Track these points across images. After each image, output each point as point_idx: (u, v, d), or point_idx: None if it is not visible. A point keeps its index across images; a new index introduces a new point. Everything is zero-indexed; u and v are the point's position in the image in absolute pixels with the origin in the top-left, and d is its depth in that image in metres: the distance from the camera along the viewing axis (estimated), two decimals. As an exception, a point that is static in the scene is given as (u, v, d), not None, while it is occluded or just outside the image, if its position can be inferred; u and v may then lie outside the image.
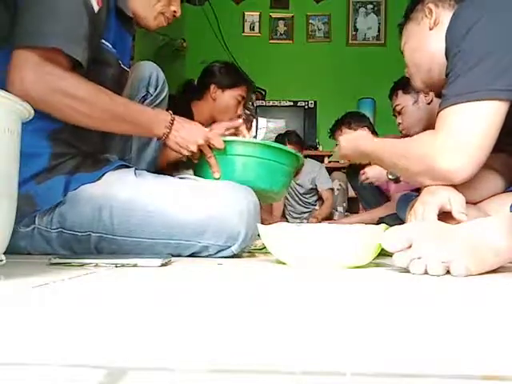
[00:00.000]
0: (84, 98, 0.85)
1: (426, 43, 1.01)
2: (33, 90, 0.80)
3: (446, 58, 0.89)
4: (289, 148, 1.13)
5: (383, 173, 1.72)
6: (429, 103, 1.72)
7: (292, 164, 1.09)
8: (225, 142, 1.02)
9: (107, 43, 0.95)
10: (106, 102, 0.88)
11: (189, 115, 1.55)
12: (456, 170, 0.86)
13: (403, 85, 1.79)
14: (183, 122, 1.00)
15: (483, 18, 0.83)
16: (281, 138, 2.73)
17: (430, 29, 1.00)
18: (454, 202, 0.86)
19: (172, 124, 0.97)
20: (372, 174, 1.81)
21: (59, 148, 0.91)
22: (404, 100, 1.81)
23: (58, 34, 0.81)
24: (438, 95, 0.99)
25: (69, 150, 0.93)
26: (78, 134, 0.93)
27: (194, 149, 0.99)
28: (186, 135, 0.98)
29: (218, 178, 1.01)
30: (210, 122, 1.55)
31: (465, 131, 0.84)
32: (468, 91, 0.83)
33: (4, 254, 0.55)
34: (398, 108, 1.82)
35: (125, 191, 0.90)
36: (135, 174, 0.94)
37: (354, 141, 1.09)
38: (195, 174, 1.08)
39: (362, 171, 1.85)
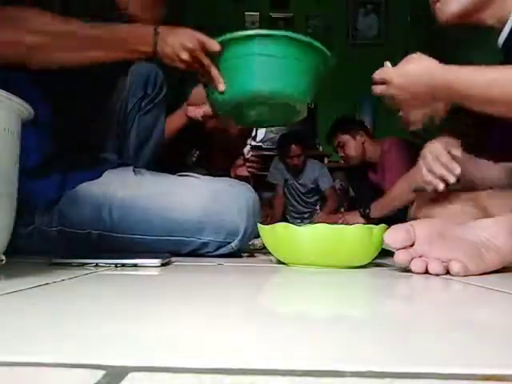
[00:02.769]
0: (52, 32, 0.78)
1: None
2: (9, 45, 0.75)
3: None
4: (312, 40, 0.85)
5: (357, 214, 1.77)
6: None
7: (314, 60, 0.86)
8: (222, 42, 0.84)
9: None
10: (77, 29, 0.79)
11: None
12: None
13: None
14: (170, 29, 0.86)
15: None
16: (284, 139, 2.72)
17: None
18: (451, 146, 0.89)
19: (157, 34, 0.84)
20: (350, 219, 1.78)
21: (49, 140, 0.90)
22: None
23: None
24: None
25: (60, 142, 0.91)
26: (66, 124, 0.91)
27: (186, 56, 0.85)
28: (174, 41, 0.84)
29: (223, 92, 0.87)
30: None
31: None
32: None
33: (4, 254, 0.55)
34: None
35: (124, 189, 0.90)
36: (134, 172, 0.94)
37: (417, 72, 0.79)
38: (207, 96, 0.96)
39: (340, 217, 1.85)
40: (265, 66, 0.82)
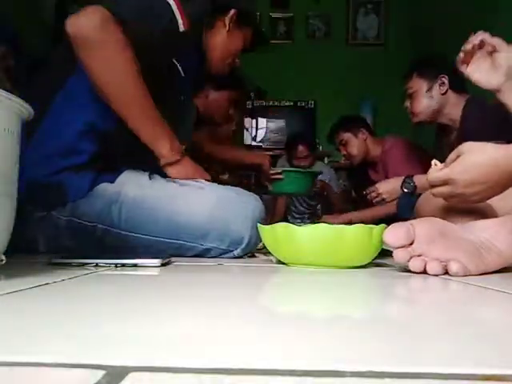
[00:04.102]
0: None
1: None
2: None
3: None
4: (308, 170, 2.02)
5: (397, 187, 1.55)
6: (443, 93, 1.53)
7: (310, 177, 1.80)
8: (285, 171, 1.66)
9: (177, 64, 1.06)
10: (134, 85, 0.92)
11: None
12: None
13: (420, 66, 1.58)
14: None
15: None
16: (292, 140, 2.71)
17: None
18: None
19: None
20: (384, 189, 1.62)
21: (101, 149, 0.95)
22: (417, 84, 1.57)
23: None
24: None
25: (107, 151, 0.97)
26: (126, 139, 0.95)
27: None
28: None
29: (285, 187, 1.63)
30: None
31: None
32: None
33: (4, 254, 0.55)
34: (409, 91, 1.58)
35: (136, 190, 0.94)
36: (149, 177, 0.97)
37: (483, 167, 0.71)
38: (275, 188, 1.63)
39: (369, 189, 1.69)
40: (297, 181, 1.68)
